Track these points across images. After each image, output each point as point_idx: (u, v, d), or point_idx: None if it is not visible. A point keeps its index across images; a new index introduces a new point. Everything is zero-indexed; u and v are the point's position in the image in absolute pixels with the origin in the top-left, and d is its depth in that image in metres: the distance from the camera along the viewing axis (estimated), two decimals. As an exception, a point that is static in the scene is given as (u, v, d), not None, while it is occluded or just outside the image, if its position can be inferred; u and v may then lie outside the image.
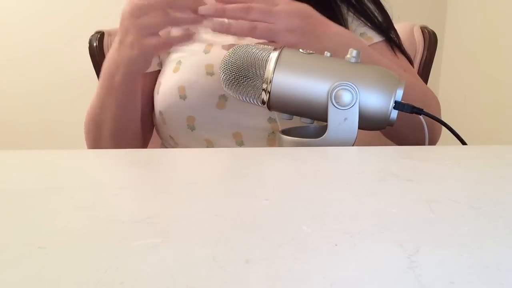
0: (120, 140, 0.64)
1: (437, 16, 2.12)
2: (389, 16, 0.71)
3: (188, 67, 0.65)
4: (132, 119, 0.65)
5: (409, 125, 0.56)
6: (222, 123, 0.63)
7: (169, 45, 0.54)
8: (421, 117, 0.50)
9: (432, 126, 0.53)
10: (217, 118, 0.63)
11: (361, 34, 0.69)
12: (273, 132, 0.64)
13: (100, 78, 0.61)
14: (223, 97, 0.63)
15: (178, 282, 0.17)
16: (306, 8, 0.57)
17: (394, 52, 0.69)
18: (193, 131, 0.64)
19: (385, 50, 0.68)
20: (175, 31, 0.63)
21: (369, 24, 0.68)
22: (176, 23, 0.52)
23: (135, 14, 0.52)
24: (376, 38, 0.68)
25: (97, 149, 0.66)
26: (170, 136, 0.67)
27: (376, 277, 0.18)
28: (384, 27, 0.69)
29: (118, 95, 0.60)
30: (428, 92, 0.65)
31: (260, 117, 0.63)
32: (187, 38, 0.54)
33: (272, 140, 0.64)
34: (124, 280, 0.18)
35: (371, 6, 0.71)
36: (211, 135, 0.64)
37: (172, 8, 0.51)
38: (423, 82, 0.71)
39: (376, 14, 0.70)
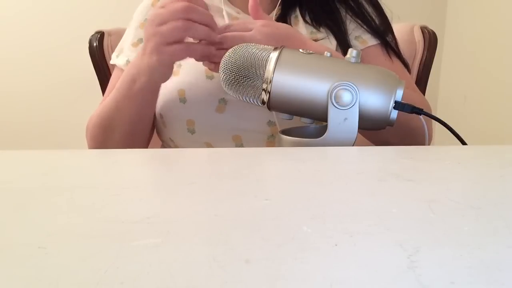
0: (130, 144, 0.64)
1: (437, 16, 2.12)
2: (387, 20, 0.71)
3: (188, 70, 0.65)
4: (146, 126, 0.66)
5: (399, 134, 0.56)
6: (222, 127, 0.63)
7: (186, 53, 0.54)
8: (420, 117, 0.50)
9: (422, 131, 0.53)
10: (217, 122, 0.63)
11: (356, 37, 0.68)
12: (272, 135, 0.64)
13: (119, 82, 0.62)
14: (223, 101, 0.63)
15: (178, 282, 0.17)
16: (283, 29, 0.57)
17: (389, 56, 0.68)
18: (193, 134, 0.64)
19: (379, 54, 0.68)
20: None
21: (365, 27, 0.68)
22: (193, 34, 0.53)
23: (156, 22, 0.53)
24: (370, 41, 0.68)
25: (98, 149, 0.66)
26: (170, 138, 0.67)
27: (376, 277, 0.18)
28: (381, 30, 0.69)
29: (136, 101, 0.60)
30: (416, 100, 0.64)
31: (259, 120, 0.63)
32: (205, 58, 0.56)
33: (271, 143, 0.64)
34: (124, 280, 0.18)
35: (369, 9, 0.71)
36: (211, 138, 0.64)
37: (191, 20, 0.53)
38: (415, 89, 0.70)
39: (374, 17, 0.70)
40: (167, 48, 0.53)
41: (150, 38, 0.54)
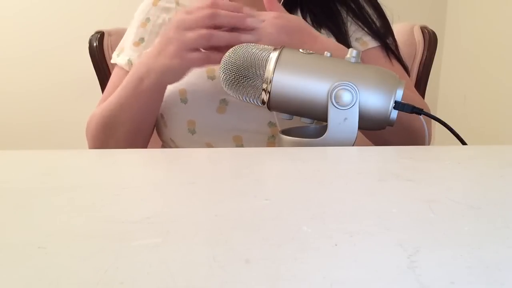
0: (132, 144, 0.64)
1: (437, 16, 2.12)
2: (388, 22, 0.71)
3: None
4: (149, 126, 0.66)
5: (399, 134, 0.56)
6: (223, 128, 0.63)
7: (207, 62, 0.55)
8: (420, 117, 0.50)
9: (423, 132, 0.53)
10: (218, 123, 0.63)
11: (357, 39, 0.68)
12: (273, 135, 0.64)
13: (125, 81, 0.62)
14: (224, 102, 0.63)
15: (178, 282, 0.17)
16: (295, 21, 0.56)
17: (390, 59, 0.68)
18: (194, 135, 0.64)
19: (380, 56, 0.68)
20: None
21: (365, 29, 0.68)
22: (217, 42, 0.53)
23: (181, 27, 0.53)
24: (371, 43, 0.68)
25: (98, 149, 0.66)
26: (171, 139, 0.67)
27: (376, 277, 0.18)
28: (382, 33, 0.69)
29: (142, 100, 0.61)
30: (416, 101, 0.64)
31: (260, 121, 0.63)
32: None
33: (271, 144, 0.64)
34: (124, 280, 0.18)
35: (370, 11, 0.71)
36: (212, 139, 0.64)
37: (217, 26, 0.53)
38: (415, 92, 0.70)
39: (375, 20, 0.70)
40: (190, 54, 0.53)
41: (173, 41, 0.54)
